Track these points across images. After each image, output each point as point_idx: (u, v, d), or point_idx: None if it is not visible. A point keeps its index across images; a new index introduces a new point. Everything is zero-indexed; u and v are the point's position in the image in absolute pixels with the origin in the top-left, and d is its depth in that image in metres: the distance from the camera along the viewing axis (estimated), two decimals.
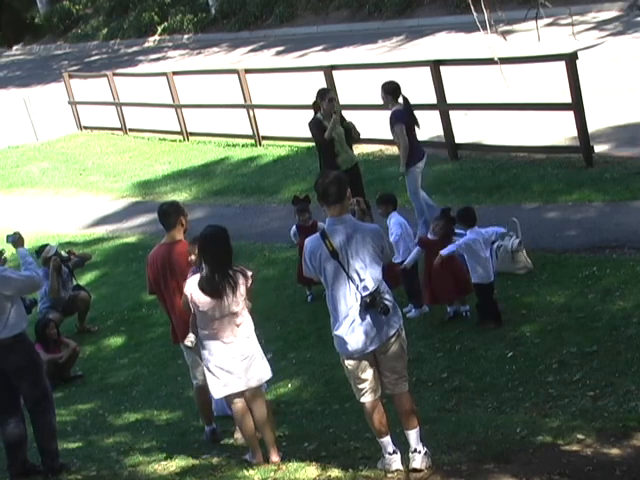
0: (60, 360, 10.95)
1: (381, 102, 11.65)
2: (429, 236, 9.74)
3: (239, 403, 7.17)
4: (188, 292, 7.00)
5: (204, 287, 6.91)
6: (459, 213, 9.51)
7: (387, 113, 11.45)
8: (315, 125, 11.79)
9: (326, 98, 11.71)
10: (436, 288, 9.54)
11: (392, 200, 10.06)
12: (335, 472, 6.54)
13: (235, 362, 7.00)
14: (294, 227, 10.99)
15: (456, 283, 9.46)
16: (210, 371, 7.09)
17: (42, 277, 7.87)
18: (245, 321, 7.04)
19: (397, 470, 6.43)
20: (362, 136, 13.06)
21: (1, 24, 40.22)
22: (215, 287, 6.88)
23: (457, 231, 9.65)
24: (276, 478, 6.66)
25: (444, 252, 9.28)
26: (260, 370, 7.12)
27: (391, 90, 11.30)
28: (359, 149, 15.02)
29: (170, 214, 7.76)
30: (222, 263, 6.92)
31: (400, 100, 11.30)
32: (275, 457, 7.05)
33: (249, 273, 7.05)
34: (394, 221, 9.80)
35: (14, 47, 39.62)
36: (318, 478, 6.53)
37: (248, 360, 7.03)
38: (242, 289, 6.94)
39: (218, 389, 7.13)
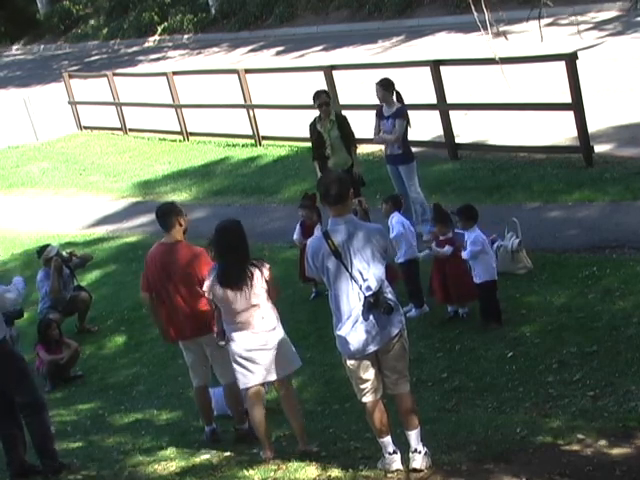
0: (61, 361, 10.96)
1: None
2: (441, 237, 9.72)
3: (252, 394, 7.16)
4: (208, 288, 7.01)
5: (222, 280, 6.92)
6: (460, 210, 9.48)
7: None
8: (309, 127, 11.93)
9: (316, 102, 11.82)
10: (463, 287, 9.45)
11: (397, 201, 10.09)
12: (335, 472, 6.54)
13: (262, 353, 6.99)
14: (298, 225, 11.03)
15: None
16: (238, 363, 7.08)
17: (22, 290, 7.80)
18: (269, 313, 7.04)
19: (397, 470, 6.43)
20: (362, 136, 13.10)
21: (3, 21, 40.25)
22: (233, 280, 6.89)
23: (457, 231, 9.64)
24: (276, 478, 6.66)
25: (466, 255, 9.22)
26: (288, 360, 7.11)
27: (393, 86, 11.48)
28: (359, 149, 15.01)
29: (167, 214, 7.75)
30: (237, 255, 6.92)
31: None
32: (302, 447, 7.06)
33: (266, 265, 7.05)
34: (396, 220, 9.81)
35: (15, 46, 39.63)
36: (318, 478, 6.54)
37: (274, 351, 7.02)
38: (261, 281, 6.94)
39: (246, 379, 7.10)
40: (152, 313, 8.12)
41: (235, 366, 7.14)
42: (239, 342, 7.03)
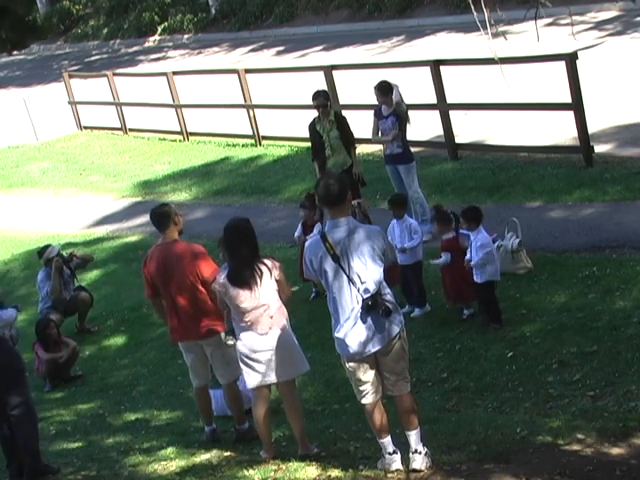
0: (60, 360, 10.96)
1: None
2: (443, 238, 9.71)
3: (258, 393, 7.14)
4: (218, 286, 6.99)
5: (232, 279, 6.89)
6: (464, 212, 9.45)
7: None
8: (309, 128, 11.93)
9: (314, 103, 11.81)
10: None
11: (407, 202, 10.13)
12: (335, 472, 6.54)
13: (268, 354, 6.96)
14: (299, 225, 11.04)
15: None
16: (244, 362, 7.06)
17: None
18: (279, 313, 6.99)
19: (397, 470, 6.42)
20: (362, 136, 13.09)
21: (3, 29, 40.25)
22: (242, 278, 6.86)
23: (461, 231, 9.62)
24: (276, 478, 6.65)
25: (475, 262, 9.16)
26: (295, 363, 7.08)
27: (391, 88, 11.46)
28: (359, 149, 15.02)
29: (162, 216, 7.72)
30: (246, 254, 6.89)
31: None
32: (302, 451, 7.02)
33: (277, 264, 6.99)
34: (415, 223, 9.85)
35: (14, 52, 39.66)
36: (318, 478, 6.53)
37: (281, 352, 6.97)
38: (270, 280, 6.91)
39: (253, 379, 7.07)
40: (160, 314, 8.14)
41: (242, 365, 7.11)
42: (246, 342, 7.00)
